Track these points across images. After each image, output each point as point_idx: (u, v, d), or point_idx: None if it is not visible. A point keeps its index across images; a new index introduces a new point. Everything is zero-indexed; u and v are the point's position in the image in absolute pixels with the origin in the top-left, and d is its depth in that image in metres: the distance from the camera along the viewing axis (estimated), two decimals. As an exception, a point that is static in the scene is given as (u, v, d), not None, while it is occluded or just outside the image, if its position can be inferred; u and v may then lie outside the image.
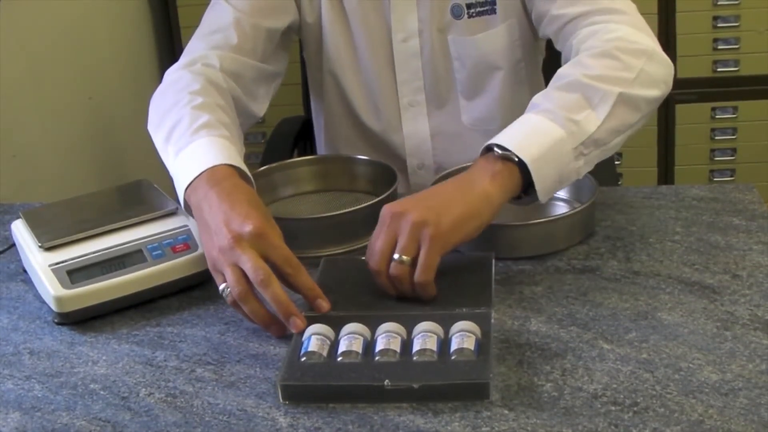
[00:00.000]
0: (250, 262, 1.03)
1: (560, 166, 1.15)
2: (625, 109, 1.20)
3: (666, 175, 2.65)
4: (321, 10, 1.50)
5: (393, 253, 1.06)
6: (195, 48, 1.42)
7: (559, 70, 1.26)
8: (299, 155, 1.86)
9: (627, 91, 1.20)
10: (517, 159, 1.12)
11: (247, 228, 1.05)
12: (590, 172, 1.30)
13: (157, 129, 1.28)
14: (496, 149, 1.13)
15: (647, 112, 1.25)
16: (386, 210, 1.09)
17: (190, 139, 1.20)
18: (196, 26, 1.47)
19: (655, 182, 2.65)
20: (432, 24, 1.48)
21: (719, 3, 2.49)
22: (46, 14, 1.93)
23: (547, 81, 1.62)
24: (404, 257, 1.06)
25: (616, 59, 1.23)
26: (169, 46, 2.59)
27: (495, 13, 1.46)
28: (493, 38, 1.48)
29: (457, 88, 1.52)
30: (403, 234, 1.06)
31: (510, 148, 1.13)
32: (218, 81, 1.36)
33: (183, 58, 1.41)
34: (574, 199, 1.31)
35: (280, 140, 1.86)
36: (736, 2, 2.48)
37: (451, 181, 1.15)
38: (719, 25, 2.50)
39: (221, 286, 1.07)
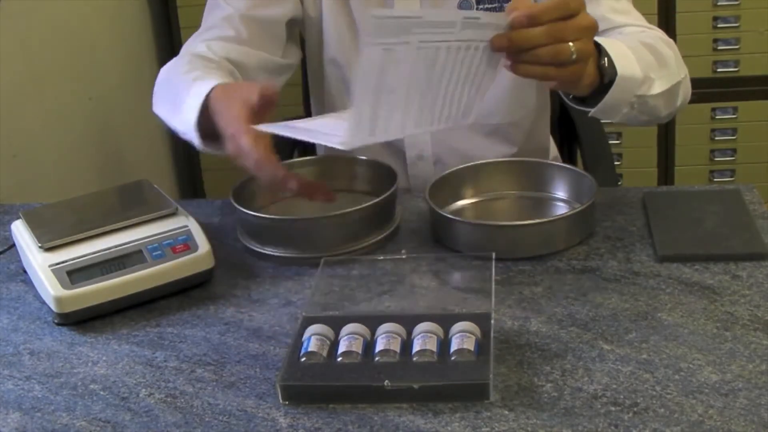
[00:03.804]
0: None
1: (617, 100, 1.22)
2: (669, 97, 1.30)
3: (666, 175, 2.65)
4: (322, 2, 1.50)
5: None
6: (188, 45, 1.47)
7: (634, 30, 1.36)
8: (299, 155, 1.85)
9: (677, 84, 1.31)
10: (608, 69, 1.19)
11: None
12: (590, 172, 1.31)
13: (161, 107, 1.37)
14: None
15: (665, 115, 1.33)
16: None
17: (186, 95, 1.26)
18: (196, 26, 1.48)
19: (655, 182, 2.65)
20: None
21: (719, 3, 2.49)
22: (46, 14, 1.93)
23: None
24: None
25: (675, 56, 1.33)
26: (169, 46, 2.59)
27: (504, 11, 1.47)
28: None
29: None
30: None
31: (616, 61, 1.19)
32: (208, 56, 1.41)
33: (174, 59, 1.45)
34: (574, 199, 1.31)
35: (280, 140, 1.85)
36: (736, 2, 2.49)
37: None
38: (719, 25, 2.51)
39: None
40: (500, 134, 1.56)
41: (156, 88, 1.42)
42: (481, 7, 1.47)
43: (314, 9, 1.52)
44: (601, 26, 1.39)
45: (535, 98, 1.57)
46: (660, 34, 1.38)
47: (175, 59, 1.44)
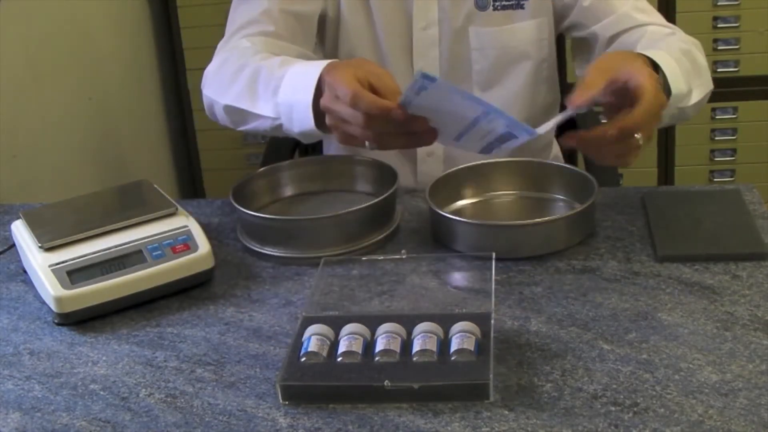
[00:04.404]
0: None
1: (665, 113, 1.23)
2: (700, 104, 1.35)
3: (666, 175, 2.65)
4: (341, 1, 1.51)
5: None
6: (223, 44, 1.46)
7: (658, 29, 1.42)
8: (300, 156, 1.86)
9: (709, 93, 1.37)
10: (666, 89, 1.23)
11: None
12: (591, 172, 1.31)
13: (233, 95, 1.35)
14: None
15: (690, 118, 1.38)
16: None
17: (281, 78, 1.28)
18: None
19: (655, 182, 2.64)
20: (453, 14, 1.48)
21: (719, 3, 2.49)
22: (46, 14, 1.93)
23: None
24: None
25: (706, 63, 1.38)
26: (169, 46, 2.59)
27: (522, 8, 1.48)
28: (519, 33, 1.49)
29: (472, 78, 1.53)
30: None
31: (670, 81, 1.23)
32: (257, 47, 1.41)
33: (216, 56, 1.44)
34: (574, 199, 1.31)
35: (281, 141, 1.86)
36: (736, 2, 2.48)
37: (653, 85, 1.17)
38: (719, 25, 2.50)
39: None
40: None
41: (210, 81, 1.41)
42: (497, 3, 1.47)
43: (333, 9, 1.52)
44: (626, 24, 1.45)
45: (545, 97, 1.58)
46: (686, 36, 1.42)
47: (222, 56, 1.43)
